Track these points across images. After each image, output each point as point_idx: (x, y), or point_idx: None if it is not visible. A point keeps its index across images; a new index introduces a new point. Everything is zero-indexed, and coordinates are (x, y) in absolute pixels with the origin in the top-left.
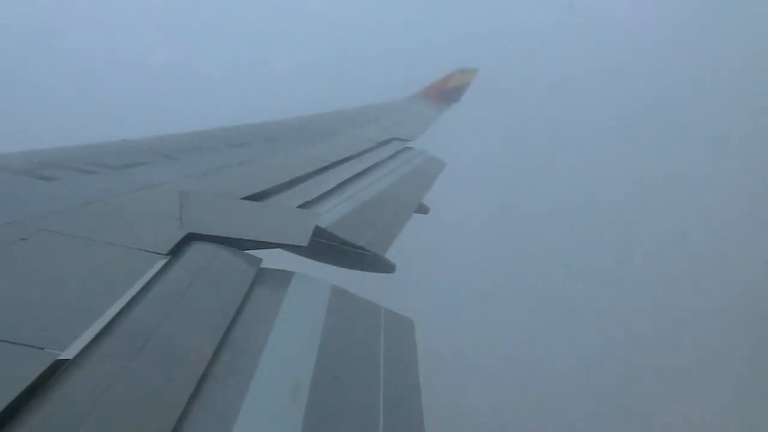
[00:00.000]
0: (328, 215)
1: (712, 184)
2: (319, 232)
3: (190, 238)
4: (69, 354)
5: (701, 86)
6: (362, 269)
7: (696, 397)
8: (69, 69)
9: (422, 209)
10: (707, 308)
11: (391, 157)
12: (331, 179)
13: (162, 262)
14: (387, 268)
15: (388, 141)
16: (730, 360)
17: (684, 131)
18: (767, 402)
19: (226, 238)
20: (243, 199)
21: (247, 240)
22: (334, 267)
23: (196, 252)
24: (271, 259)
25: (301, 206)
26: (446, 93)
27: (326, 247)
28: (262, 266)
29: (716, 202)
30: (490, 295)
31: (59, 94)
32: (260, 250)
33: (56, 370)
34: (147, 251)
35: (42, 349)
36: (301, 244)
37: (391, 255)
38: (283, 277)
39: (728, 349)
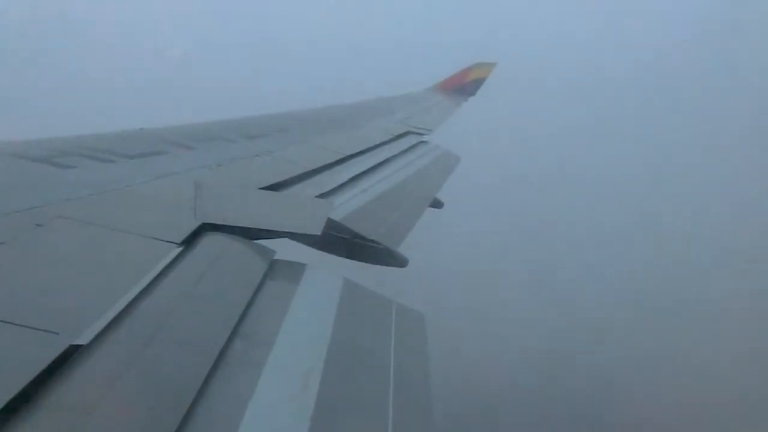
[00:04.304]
0: (341, 208)
1: (725, 179)
2: (332, 225)
3: (204, 228)
4: (83, 340)
5: (715, 79)
6: (375, 263)
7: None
8: (87, 59)
9: (436, 204)
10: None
11: (406, 150)
12: (346, 172)
13: (176, 251)
14: (399, 262)
15: (404, 134)
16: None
17: (697, 126)
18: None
19: (240, 227)
20: (259, 189)
21: (261, 229)
22: (347, 260)
23: (210, 242)
24: (284, 251)
25: (315, 198)
26: (463, 86)
27: (339, 239)
28: (275, 258)
29: (727, 199)
30: (503, 290)
31: (77, 84)
32: (274, 241)
33: (71, 355)
34: (161, 240)
35: (57, 334)
36: (315, 233)
37: (404, 249)
38: (296, 269)
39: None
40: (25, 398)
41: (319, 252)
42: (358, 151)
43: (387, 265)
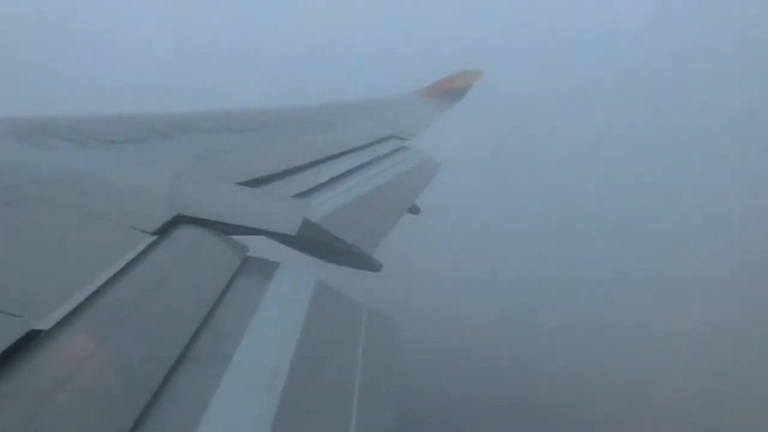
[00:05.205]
0: (319, 209)
1: (718, 190)
2: (308, 225)
3: (178, 220)
4: (45, 324)
5: (705, 88)
6: (348, 266)
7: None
8: (73, 52)
9: (413, 210)
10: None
11: (387, 154)
12: (326, 172)
13: (148, 240)
14: (373, 266)
15: (387, 138)
16: None
17: (690, 136)
18: None
19: (215, 221)
20: (236, 184)
21: (237, 225)
22: (320, 261)
23: (183, 234)
24: (258, 248)
25: (293, 197)
26: (449, 93)
27: (314, 240)
28: (248, 255)
29: (721, 208)
30: (476, 298)
31: (63, 78)
32: (248, 237)
33: (31, 339)
34: (133, 228)
35: (19, 317)
36: (290, 233)
37: (378, 254)
38: (269, 267)
39: None
40: None
41: (293, 251)
42: (339, 152)
43: (360, 268)
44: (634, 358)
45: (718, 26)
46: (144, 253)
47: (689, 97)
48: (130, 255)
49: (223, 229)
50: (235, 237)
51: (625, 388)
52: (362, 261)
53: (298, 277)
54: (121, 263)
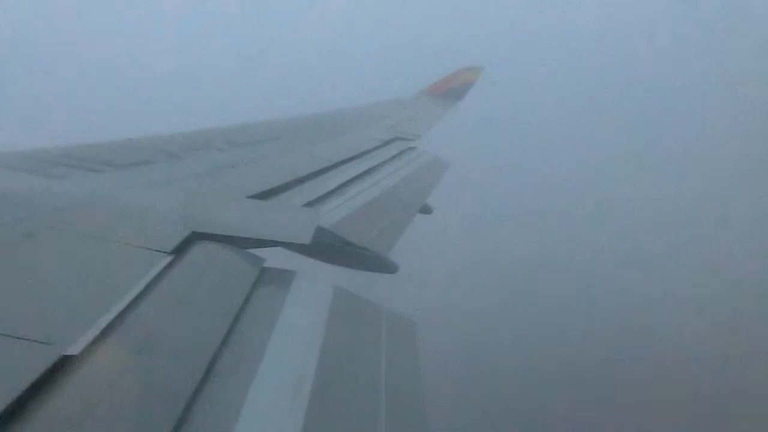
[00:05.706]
0: (331, 215)
1: (717, 184)
2: (321, 232)
3: (194, 237)
4: (75, 350)
5: (705, 84)
6: (364, 269)
7: None
8: (75, 69)
9: (425, 210)
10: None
11: (395, 157)
12: (335, 179)
13: (166, 260)
14: (389, 268)
15: (393, 140)
16: None
17: (690, 130)
18: None
19: (230, 236)
20: (247, 198)
21: (251, 238)
22: (337, 267)
23: (200, 251)
24: (275, 258)
25: (304, 206)
26: (450, 91)
27: (329, 246)
28: (265, 266)
29: (720, 207)
30: (494, 296)
31: (65, 95)
32: (263, 249)
33: (62, 365)
34: (151, 249)
35: (49, 344)
36: (304, 242)
37: (393, 255)
38: (286, 277)
39: None
40: (18, 409)
41: (309, 259)
42: (346, 158)
43: (377, 271)
44: (641, 359)
45: (717, 26)
46: (163, 272)
47: (688, 95)
48: (150, 276)
49: (239, 243)
50: (250, 250)
51: (633, 390)
52: (378, 263)
53: (315, 285)
54: (142, 285)
